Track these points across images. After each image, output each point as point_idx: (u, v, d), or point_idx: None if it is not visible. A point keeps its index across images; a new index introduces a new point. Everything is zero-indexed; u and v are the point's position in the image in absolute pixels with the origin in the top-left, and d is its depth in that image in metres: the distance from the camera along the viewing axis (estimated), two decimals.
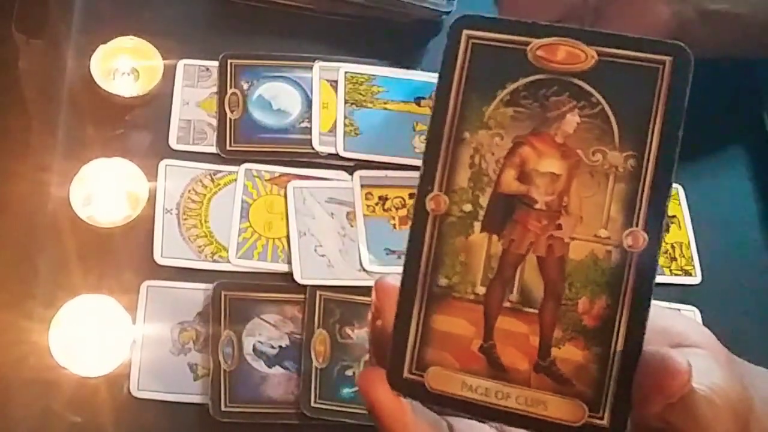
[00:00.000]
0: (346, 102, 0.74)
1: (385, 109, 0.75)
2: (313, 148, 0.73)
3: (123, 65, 0.72)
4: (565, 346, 0.36)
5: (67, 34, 0.74)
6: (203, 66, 0.75)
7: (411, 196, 0.70)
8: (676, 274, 0.71)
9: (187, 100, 0.73)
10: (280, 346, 0.65)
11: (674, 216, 0.74)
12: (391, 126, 0.74)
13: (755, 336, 0.70)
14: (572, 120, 0.37)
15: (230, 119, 0.73)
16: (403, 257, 0.38)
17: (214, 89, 0.74)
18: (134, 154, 0.69)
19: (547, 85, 0.37)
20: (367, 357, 0.65)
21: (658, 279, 0.36)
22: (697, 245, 0.73)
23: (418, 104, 0.75)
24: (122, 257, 0.67)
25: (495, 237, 0.37)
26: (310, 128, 0.73)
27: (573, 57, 0.37)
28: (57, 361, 0.61)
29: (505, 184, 0.37)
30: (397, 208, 0.71)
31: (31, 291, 0.64)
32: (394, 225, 0.70)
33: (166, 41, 0.73)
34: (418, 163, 0.38)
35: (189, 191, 0.70)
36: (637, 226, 0.36)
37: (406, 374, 0.37)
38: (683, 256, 0.72)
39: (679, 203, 0.74)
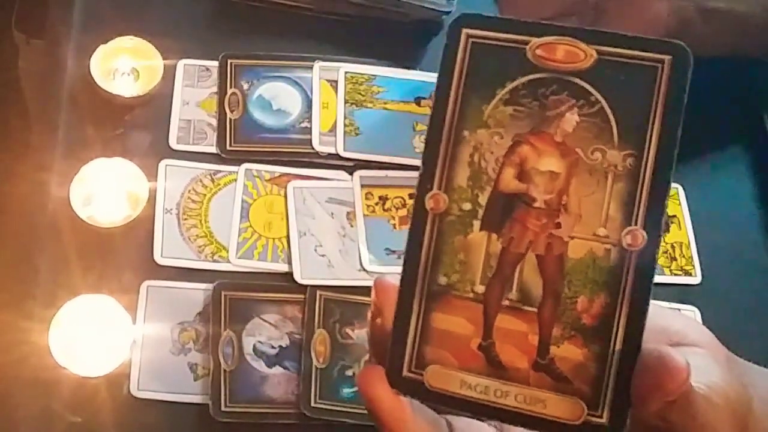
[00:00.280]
0: (346, 102, 0.74)
1: (385, 109, 0.75)
2: (313, 148, 0.73)
3: (123, 65, 0.72)
4: (564, 344, 0.36)
5: (67, 34, 0.74)
6: (203, 66, 0.75)
7: (411, 196, 0.70)
8: (676, 274, 0.71)
9: (187, 100, 0.73)
10: (280, 346, 0.65)
11: (674, 216, 0.74)
12: (391, 126, 0.74)
13: (755, 336, 0.70)
14: (571, 119, 0.37)
15: (230, 119, 0.73)
16: (402, 256, 0.38)
17: (214, 89, 0.74)
18: (134, 154, 0.69)
19: (546, 84, 0.38)
20: (367, 357, 0.65)
21: (658, 279, 0.37)
22: (697, 245, 0.73)
23: (418, 104, 0.75)
24: (122, 257, 0.67)
25: (494, 235, 0.37)
26: (310, 128, 0.73)
27: (572, 56, 0.37)
28: (57, 361, 0.61)
29: (505, 183, 0.37)
30: (397, 208, 0.71)
31: (31, 291, 0.64)
32: (394, 225, 0.70)
33: (166, 41, 0.73)
34: (418, 163, 0.38)
35: (189, 191, 0.70)
36: (636, 224, 0.36)
37: (405, 373, 0.37)
38: (683, 256, 0.72)
39: (679, 203, 0.74)
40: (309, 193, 0.71)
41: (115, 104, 0.71)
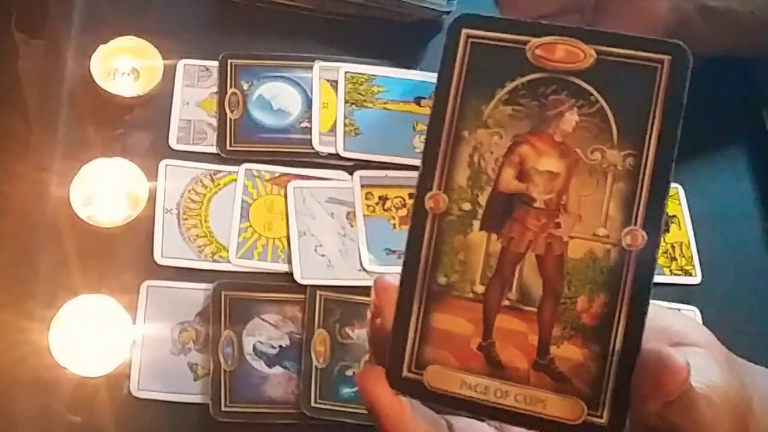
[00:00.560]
0: (346, 102, 0.74)
1: (385, 108, 0.75)
2: (313, 148, 0.73)
3: (123, 65, 0.72)
4: (563, 344, 0.36)
5: (67, 34, 0.74)
6: (203, 66, 0.75)
7: (411, 196, 0.70)
8: (676, 274, 0.71)
9: (187, 100, 0.73)
10: (280, 346, 0.65)
11: (674, 216, 0.74)
12: (391, 126, 0.74)
13: (755, 336, 0.70)
14: (571, 119, 0.37)
15: (230, 119, 0.73)
16: (402, 256, 0.38)
17: (214, 89, 0.74)
18: (134, 154, 0.69)
19: (546, 83, 0.38)
20: (367, 357, 0.65)
21: (658, 279, 0.37)
22: (697, 245, 0.73)
23: (418, 104, 0.75)
24: (122, 257, 0.67)
25: (494, 235, 0.37)
26: (310, 128, 0.73)
27: (572, 56, 0.37)
28: (57, 361, 0.61)
29: (504, 183, 0.37)
30: (397, 208, 0.71)
31: (31, 291, 0.64)
32: (394, 225, 0.70)
33: (166, 41, 0.73)
34: (418, 162, 0.38)
35: (189, 191, 0.70)
36: (635, 224, 0.36)
37: (405, 373, 0.37)
38: (683, 256, 0.72)
39: (678, 203, 0.74)
40: (309, 193, 0.71)
41: (115, 104, 0.71)
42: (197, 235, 0.68)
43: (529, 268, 0.37)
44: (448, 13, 0.77)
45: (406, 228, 0.38)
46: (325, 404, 0.64)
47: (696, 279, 0.72)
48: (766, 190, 0.77)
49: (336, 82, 0.75)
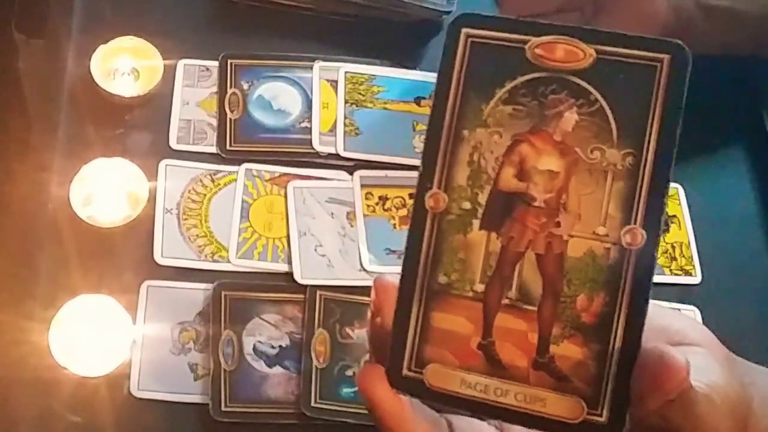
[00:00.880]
0: (346, 102, 0.74)
1: (385, 108, 0.75)
2: (313, 148, 0.73)
3: (123, 65, 0.72)
4: (563, 343, 0.36)
5: (67, 34, 0.74)
6: (203, 66, 0.75)
7: (411, 195, 0.70)
8: (676, 274, 0.71)
9: (187, 100, 0.73)
10: (281, 346, 0.65)
11: (674, 216, 0.74)
12: (391, 126, 0.74)
13: (755, 336, 0.70)
14: (571, 118, 0.37)
15: (230, 119, 0.73)
16: (402, 255, 0.38)
17: (214, 89, 0.74)
18: (134, 154, 0.69)
19: (545, 83, 0.38)
20: (367, 357, 0.65)
21: (658, 279, 0.37)
22: (697, 245, 0.73)
23: (418, 104, 0.75)
24: (122, 257, 0.67)
25: (494, 234, 0.37)
26: (310, 128, 0.73)
27: (571, 55, 0.37)
28: (57, 361, 0.61)
29: (504, 182, 0.38)
30: (397, 208, 0.71)
31: (31, 291, 0.64)
32: (394, 225, 0.70)
33: (166, 41, 0.73)
34: (418, 162, 0.38)
35: (189, 191, 0.70)
36: (635, 223, 0.36)
37: (405, 372, 0.37)
38: (683, 256, 0.72)
39: (678, 203, 0.74)
40: (309, 193, 0.71)
41: (115, 104, 0.71)
42: (197, 235, 0.68)
43: (528, 267, 0.37)
44: (448, 13, 0.77)
45: (407, 228, 0.38)
46: (325, 404, 0.64)
47: (696, 279, 0.72)
48: (767, 190, 0.77)
49: (336, 82, 0.75)
